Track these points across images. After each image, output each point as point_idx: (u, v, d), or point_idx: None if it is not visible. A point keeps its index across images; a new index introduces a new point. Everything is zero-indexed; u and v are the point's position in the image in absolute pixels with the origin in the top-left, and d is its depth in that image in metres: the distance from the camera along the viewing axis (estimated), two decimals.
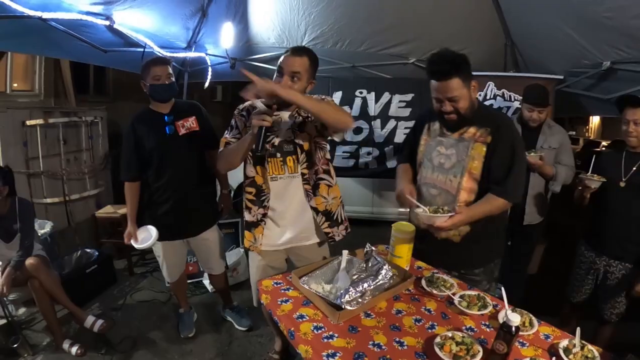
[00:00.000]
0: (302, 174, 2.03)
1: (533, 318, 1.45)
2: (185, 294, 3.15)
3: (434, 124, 2.03)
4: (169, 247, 2.72)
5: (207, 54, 4.35)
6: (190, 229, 2.74)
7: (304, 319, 1.49)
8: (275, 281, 1.79)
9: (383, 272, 1.58)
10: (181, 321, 3.02)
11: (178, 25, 3.81)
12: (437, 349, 1.26)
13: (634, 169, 2.20)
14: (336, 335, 1.39)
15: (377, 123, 4.32)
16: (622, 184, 2.22)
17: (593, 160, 2.34)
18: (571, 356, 1.25)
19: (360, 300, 1.50)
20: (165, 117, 2.57)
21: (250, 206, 2.07)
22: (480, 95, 3.73)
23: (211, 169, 2.72)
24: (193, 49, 4.20)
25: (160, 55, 3.82)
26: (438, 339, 1.30)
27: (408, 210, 2.11)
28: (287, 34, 4.16)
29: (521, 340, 1.36)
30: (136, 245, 2.60)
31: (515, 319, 1.20)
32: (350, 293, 1.49)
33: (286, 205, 2.06)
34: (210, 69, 4.50)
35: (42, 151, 3.85)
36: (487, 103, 3.72)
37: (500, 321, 1.30)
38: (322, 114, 1.73)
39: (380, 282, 1.56)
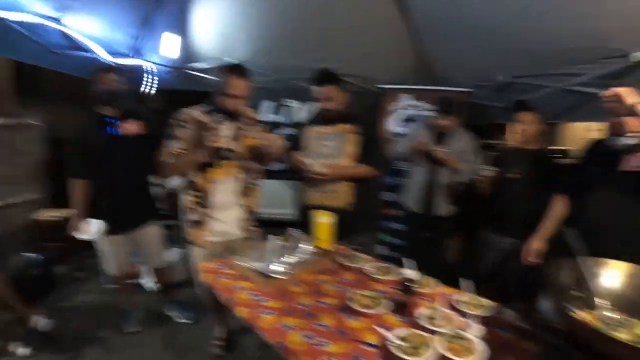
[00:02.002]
0: (237, 178, 2.33)
1: (433, 280, 1.80)
2: (128, 288, 3.24)
3: (313, 128, 2.64)
4: (111, 242, 2.83)
5: (148, 61, 4.45)
6: (134, 222, 2.89)
7: (241, 289, 1.74)
8: (214, 264, 2.02)
9: (305, 245, 1.89)
10: (126, 318, 3.09)
11: (123, 32, 3.91)
12: (349, 302, 1.57)
13: (523, 163, 2.63)
14: (269, 299, 1.65)
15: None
16: (512, 176, 2.65)
17: (489, 156, 2.79)
18: (464, 305, 1.58)
19: (287, 270, 1.79)
20: (112, 120, 2.74)
21: (193, 207, 2.29)
22: (395, 104, 4.26)
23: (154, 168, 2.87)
24: (136, 56, 4.27)
25: (107, 61, 3.90)
26: (351, 295, 1.61)
27: None
28: (225, 45, 4.35)
29: (423, 298, 1.68)
30: (81, 236, 2.72)
31: (411, 273, 1.53)
32: (278, 265, 1.78)
33: (224, 203, 2.32)
34: (151, 76, 4.56)
35: None
36: (401, 112, 4.22)
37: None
38: None
39: (303, 255, 1.86)
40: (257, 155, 2.34)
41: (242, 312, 1.59)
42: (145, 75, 4.46)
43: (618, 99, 1.54)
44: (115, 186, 2.76)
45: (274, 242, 2.01)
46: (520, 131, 2.64)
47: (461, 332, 1.38)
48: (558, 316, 1.31)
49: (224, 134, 2.11)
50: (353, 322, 1.51)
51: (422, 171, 3.14)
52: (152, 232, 3.00)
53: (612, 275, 1.40)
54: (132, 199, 2.84)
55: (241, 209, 2.40)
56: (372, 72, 4.54)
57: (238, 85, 2.16)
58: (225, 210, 2.35)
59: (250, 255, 1.97)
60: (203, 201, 2.29)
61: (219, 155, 2.13)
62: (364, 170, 2.49)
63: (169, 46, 4.18)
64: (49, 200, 4.67)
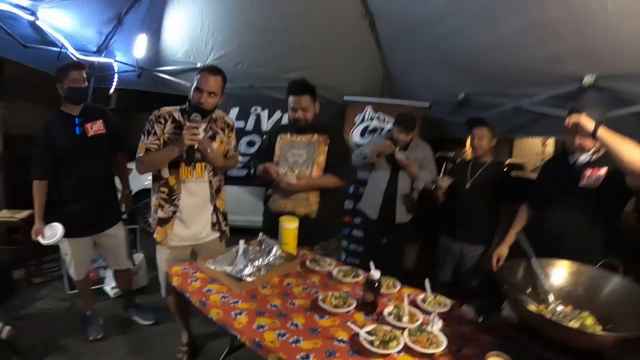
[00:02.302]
0: (209, 180, 2.35)
1: (396, 281, 1.91)
2: (91, 293, 3.17)
3: (284, 135, 2.66)
4: (77, 244, 2.79)
5: (115, 61, 4.37)
6: (98, 225, 2.84)
7: (212, 292, 1.77)
8: (183, 267, 2.03)
9: (274, 250, 1.97)
10: (88, 324, 2.98)
11: (93, 30, 3.84)
12: (320, 303, 1.63)
13: (477, 174, 2.85)
14: (240, 300, 1.69)
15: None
16: (467, 186, 2.86)
17: (444, 165, 2.97)
18: (426, 304, 1.70)
19: (257, 273, 1.83)
20: (76, 119, 2.70)
21: (163, 204, 2.29)
22: (359, 116, 4.38)
23: (114, 169, 2.92)
24: (103, 55, 4.18)
25: (76, 58, 3.79)
26: (321, 296, 1.68)
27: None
28: (194, 50, 4.37)
29: (388, 298, 1.79)
30: (43, 242, 2.65)
31: (376, 274, 1.62)
32: (248, 268, 1.82)
33: (193, 205, 2.33)
34: (116, 76, 4.48)
35: None
36: (365, 124, 4.36)
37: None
38: None
39: (272, 259, 1.92)
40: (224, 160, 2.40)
41: (215, 314, 1.61)
42: (109, 74, 4.37)
43: (578, 124, 1.71)
44: (81, 187, 2.72)
45: (243, 246, 2.05)
46: (475, 145, 2.85)
47: (425, 327, 1.48)
48: (515, 309, 1.44)
49: (201, 134, 2.13)
50: (323, 321, 1.58)
51: (382, 179, 3.26)
52: (118, 233, 2.98)
53: (559, 273, 1.55)
54: (98, 201, 2.80)
55: (211, 211, 2.43)
56: (339, 84, 4.68)
57: (210, 81, 2.20)
58: (195, 212, 2.36)
59: (220, 259, 2.00)
60: (172, 199, 2.29)
61: (192, 154, 2.16)
62: (332, 180, 2.55)
63: (140, 47, 4.13)
64: (3, 200, 4.50)
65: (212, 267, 1.91)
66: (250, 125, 4.67)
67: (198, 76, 2.23)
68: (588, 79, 2.54)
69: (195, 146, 2.14)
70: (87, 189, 2.74)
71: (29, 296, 3.55)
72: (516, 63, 2.96)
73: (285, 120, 4.63)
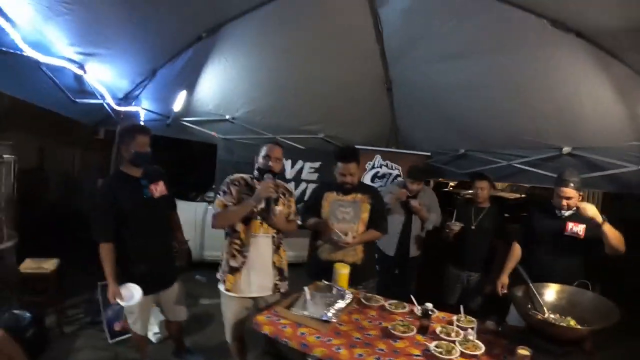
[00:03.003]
0: (272, 236, 2.86)
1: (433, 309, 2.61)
2: (145, 343, 3.32)
3: (330, 194, 3.19)
4: (143, 302, 2.90)
5: (144, 109, 4.58)
6: (164, 282, 3.07)
7: (305, 335, 2.29)
8: (266, 316, 2.50)
9: (347, 295, 2.56)
10: None
11: (128, 80, 4.04)
12: (391, 330, 2.29)
13: (480, 217, 3.75)
14: (331, 338, 2.26)
15: (291, 185, 5.19)
16: (472, 227, 3.75)
17: (455, 212, 3.81)
18: (461, 322, 2.41)
19: (337, 315, 2.43)
20: (142, 181, 2.90)
21: (235, 254, 2.77)
22: (369, 163, 5.17)
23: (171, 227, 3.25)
24: (133, 103, 4.40)
25: (111, 109, 4.07)
26: (390, 325, 2.34)
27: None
28: (225, 104, 4.83)
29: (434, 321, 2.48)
30: (123, 304, 2.79)
31: (430, 305, 2.33)
32: (332, 311, 2.41)
33: (258, 257, 2.81)
34: (142, 123, 4.61)
35: None
36: (375, 170, 5.19)
37: (417, 313, 2.43)
38: None
39: (346, 302, 2.52)
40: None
41: (320, 352, 2.14)
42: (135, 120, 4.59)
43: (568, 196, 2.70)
44: (149, 248, 2.90)
45: (309, 293, 2.61)
46: (477, 194, 3.76)
47: (468, 338, 2.20)
48: (525, 319, 2.23)
49: (272, 191, 2.65)
50: (397, 344, 2.21)
51: (397, 222, 3.99)
52: (178, 288, 3.20)
53: (549, 292, 2.41)
54: (163, 260, 3.03)
55: (273, 267, 2.86)
56: (350, 135, 5.36)
57: (276, 151, 2.83)
58: (260, 264, 2.81)
59: (297, 305, 2.55)
60: (243, 251, 2.76)
61: (267, 207, 2.67)
62: (376, 235, 3.19)
63: (178, 101, 4.49)
64: (21, 246, 4.33)
65: (295, 313, 2.45)
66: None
67: (265, 147, 2.84)
68: (566, 149, 3.64)
69: (271, 197, 2.65)
70: (153, 249, 2.93)
71: (65, 347, 3.64)
72: (510, 133, 4.02)
73: (307, 169, 5.29)
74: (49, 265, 3.97)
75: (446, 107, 4.36)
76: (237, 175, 2.85)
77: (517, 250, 3.17)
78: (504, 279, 3.17)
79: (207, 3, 3.33)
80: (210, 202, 6.06)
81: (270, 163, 2.77)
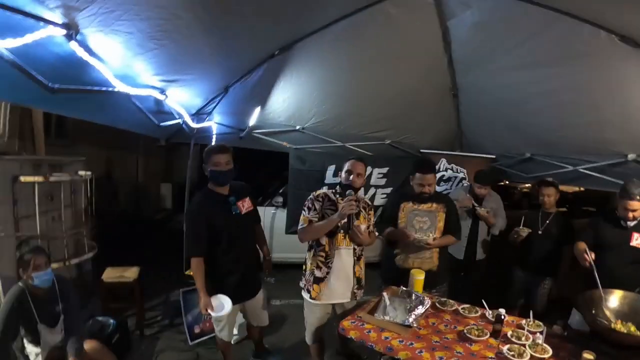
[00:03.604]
0: (354, 248, 3.15)
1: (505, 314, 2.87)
2: (230, 348, 3.52)
3: (407, 204, 3.45)
4: (232, 311, 3.09)
5: (217, 123, 4.92)
6: (251, 292, 3.30)
7: (389, 339, 2.60)
8: (351, 321, 2.82)
9: (426, 301, 2.86)
10: None
11: (202, 98, 4.39)
12: (467, 334, 2.59)
13: (547, 222, 3.92)
14: (412, 342, 2.57)
15: (361, 191, 5.39)
16: (540, 232, 3.94)
17: (523, 218, 4.03)
18: (528, 326, 2.68)
19: (418, 319, 2.74)
20: (229, 199, 3.09)
21: (320, 266, 3.08)
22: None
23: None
24: (206, 118, 4.73)
25: (188, 127, 4.42)
26: (465, 330, 2.64)
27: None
28: (297, 115, 5.10)
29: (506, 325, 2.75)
30: (214, 314, 2.98)
31: (502, 311, 2.61)
32: (413, 316, 2.72)
33: (341, 268, 3.13)
34: (214, 137, 5.03)
35: (30, 210, 3.55)
36: (440, 174, 5.35)
37: (489, 317, 2.72)
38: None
39: (425, 307, 2.82)
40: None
41: (404, 355, 2.45)
42: (208, 135, 5.01)
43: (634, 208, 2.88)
44: (239, 262, 3.10)
45: (388, 298, 2.92)
46: (545, 200, 3.94)
47: (537, 342, 2.47)
48: (590, 324, 2.49)
49: (354, 208, 2.91)
50: (473, 347, 2.51)
51: (465, 227, 4.21)
52: (262, 296, 3.44)
53: (612, 298, 2.65)
54: (250, 271, 3.24)
55: (353, 276, 3.15)
56: (416, 140, 5.63)
57: (359, 166, 3.05)
58: (343, 273, 3.10)
59: (379, 310, 2.86)
60: (327, 262, 3.06)
61: (349, 223, 2.94)
62: (452, 240, 3.47)
63: (253, 117, 4.84)
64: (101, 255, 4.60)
65: (379, 318, 2.77)
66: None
67: (347, 163, 3.08)
68: (631, 156, 3.82)
69: (352, 216, 2.93)
70: (242, 262, 3.13)
71: (148, 350, 3.94)
72: (576, 140, 4.20)
73: (375, 175, 5.56)
74: (131, 273, 4.26)
75: (513, 113, 4.51)
76: (320, 192, 3.14)
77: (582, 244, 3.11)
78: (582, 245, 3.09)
79: (283, 25, 3.51)
80: (277, 207, 6.46)
81: (351, 178, 3.04)
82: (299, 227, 3.07)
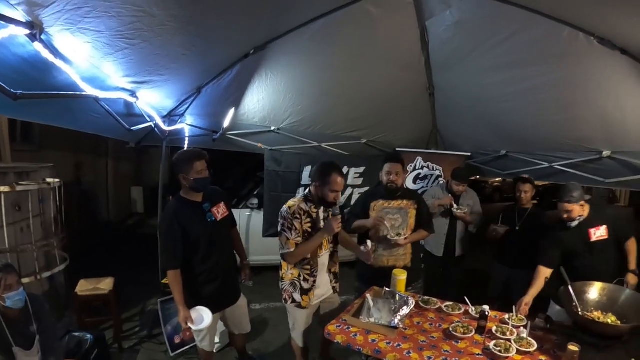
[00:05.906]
0: (330, 248, 3.20)
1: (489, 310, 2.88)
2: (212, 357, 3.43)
3: (377, 202, 3.46)
4: (213, 320, 2.98)
5: (189, 125, 4.80)
6: (231, 299, 3.23)
7: (376, 341, 2.57)
8: (336, 325, 2.77)
9: (410, 301, 2.85)
10: None
11: (174, 99, 4.27)
12: (453, 332, 2.59)
13: (524, 218, 4.04)
14: (400, 343, 2.56)
15: (355, 196, 5.50)
16: (517, 228, 4.04)
17: (501, 215, 4.15)
18: (512, 321, 2.71)
19: (403, 320, 2.73)
20: (204, 206, 2.99)
21: (307, 278, 3.06)
22: (411, 165, 5.40)
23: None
24: (179, 120, 4.61)
25: (160, 130, 4.28)
26: (451, 327, 2.65)
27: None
28: (272, 116, 5.05)
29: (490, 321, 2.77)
30: (194, 327, 2.90)
31: (486, 307, 2.62)
32: (398, 318, 2.70)
33: (322, 272, 3.16)
34: (187, 140, 4.92)
35: None
36: (416, 172, 5.44)
37: (472, 313, 2.74)
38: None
39: (410, 308, 2.81)
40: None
41: (393, 357, 2.42)
42: (180, 138, 4.91)
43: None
44: (217, 269, 3.01)
45: (372, 300, 2.90)
46: (521, 197, 4.05)
47: (522, 336, 2.50)
48: (572, 316, 2.54)
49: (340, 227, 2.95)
50: (459, 345, 2.53)
51: (443, 225, 4.33)
52: (243, 303, 3.37)
53: (591, 291, 2.72)
54: (229, 278, 3.16)
55: (329, 273, 3.22)
56: (391, 138, 5.64)
57: (341, 182, 2.93)
58: (324, 277, 3.17)
59: (363, 312, 2.84)
60: (313, 272, 3.05)
61: (336, 238, 3.11)
62: (424, 234, 3.57)
63: (227, 118, 4.75)
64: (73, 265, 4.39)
65: (364, 321, 2.75)
66: None
67: (331, 178, 2.86)
68: (606, 153, 3.92)
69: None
70: (221, 270, 3.04)
71: None
72: (555, 138, 4.28)
73: (352, 174, 5.54)
74: (106, 285, 4.06)
75: (490, 111, 4.58)
76: (293, 207, 2.94)
77: (542, 277, 3.09)
78: (529, 299, 3.00)
79: (258, 24, 3.44)
80: (252, 209, 6.35)
81: (337, 197, 2.98)
82: (285, 251, 2.94)
